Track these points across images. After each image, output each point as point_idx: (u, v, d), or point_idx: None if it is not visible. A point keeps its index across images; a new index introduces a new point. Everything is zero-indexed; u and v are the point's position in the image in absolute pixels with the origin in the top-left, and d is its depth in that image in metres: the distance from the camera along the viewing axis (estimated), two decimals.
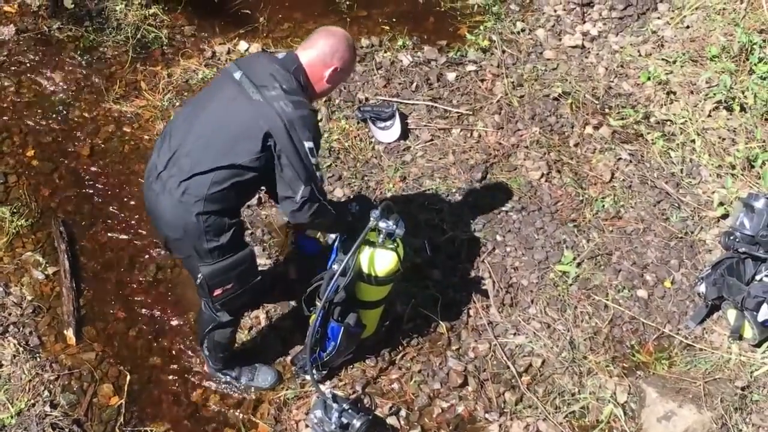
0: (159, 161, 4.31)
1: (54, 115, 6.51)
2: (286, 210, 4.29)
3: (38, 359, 5.17)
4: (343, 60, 4.31)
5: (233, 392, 5.27)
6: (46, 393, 5.03)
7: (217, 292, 4.50)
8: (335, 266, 4.47)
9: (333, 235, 4.86)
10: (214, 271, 4.39)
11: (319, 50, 4.28)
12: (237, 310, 4.83)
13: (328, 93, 4.64)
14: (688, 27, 7.51)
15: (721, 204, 6.28)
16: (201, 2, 7.59)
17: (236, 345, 5.28)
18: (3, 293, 5.41)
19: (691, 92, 6.97)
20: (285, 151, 4.11)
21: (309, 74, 4.29)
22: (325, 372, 5.22)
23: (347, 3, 7.80)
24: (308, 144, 4.12)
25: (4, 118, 6.42)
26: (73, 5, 7.17)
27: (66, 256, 5.63)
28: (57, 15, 7.15)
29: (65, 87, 6.71)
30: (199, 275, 4.43)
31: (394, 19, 7.73)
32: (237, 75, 4.24)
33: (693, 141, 6.70)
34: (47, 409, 4.96)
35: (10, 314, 5.33)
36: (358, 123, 6.63)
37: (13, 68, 6.76)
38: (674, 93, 7.00)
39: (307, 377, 5.14)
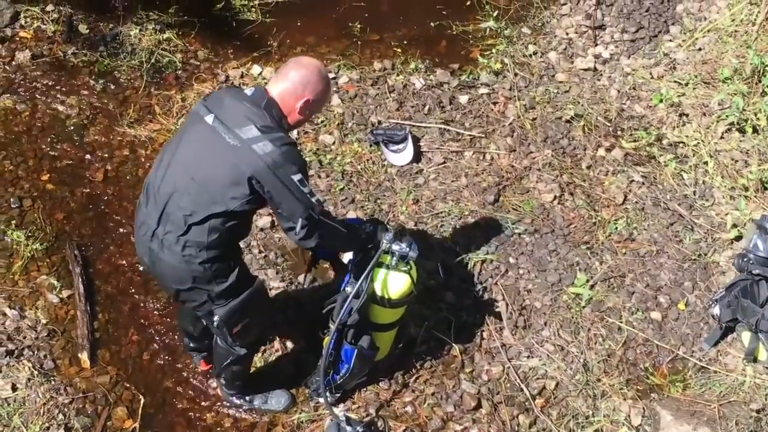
0: (149, 219, 4.28)
1: (69, 140, 6.56)
2: (293, 239, 4.30)
3: (53, 382, 5.18)
4: (315, 91, 4.25)
5: (247, 415, 5.26)
6: (61, 416, 5.03)
7: (236, 329, 4.52)
8: (348, 289, 4.47)
9: (348, 255, 4.85)
10: (230, 310, 4.41)
11: (289, 82, 4.23)
12: (254, 343, 4.89)
13: (303, 123, 4.55)
14: (700, 49, 7.52)
15: (734, 226, 6.27)
16: (214, 27, 7.66)
17: (254, 370, 5.29)
18: (18, 316, 5.43)
19: (704, 114, 6.97)
20: (275, 191, 4.10)
21: (281, 106, 4.23)
22: (338, 395, 5.21)
23: (359, 26, 7.84)
24: (296, 177, 4.11)
25: (20, 142, 6.46)
26: (87, 30, 7.26)
27: (80, 279, 5.65)
28: (72, 40, 7.22)
29: (80, 111, 6.76)
30: (215, 318, 4.44)
31: (406, 43, 7.77)
32: (209, 119, 4.16)
33: (706, 163, 6.70)
34: None
35: (24, 337, 5.35)
36: (371, 146, 6.66)
37: (28, 93, 6.82)
38: (687, 115, 7.00)
39: (321, 400, 5.13)
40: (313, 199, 4.19)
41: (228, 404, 5.30)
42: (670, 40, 7.71)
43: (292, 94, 4.22)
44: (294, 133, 6.56)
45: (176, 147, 4.32)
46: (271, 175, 4.05)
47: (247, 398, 5.26)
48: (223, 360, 4.88)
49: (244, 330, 4.54)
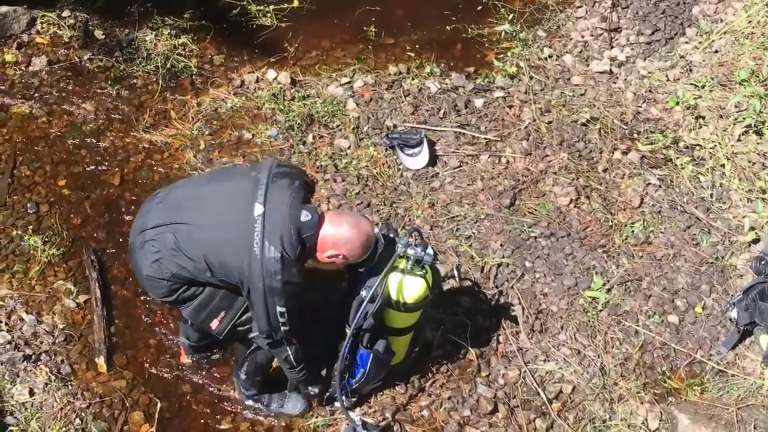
0: (151, 216, 4.41)
1: (85, 145, 6.58)
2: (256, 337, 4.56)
3: (70, 387, 5.21)
4: (350, 252, 4.37)
5: (263, 420, 5.27)
6: (78, 421, 5.06)
7: (214, 325, 4.59)
8: (364, 293, 4.47)
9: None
10: (192, 311, 4.55)
11: (338, 233, 4.32)
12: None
13: (322, 266, 4.59)
14: (716, 51, 7.49)
15: (752, 229, 6.24)
16: (230, 31, 7.68)
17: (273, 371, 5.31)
18: (35, 321, 5.45)
19: (720, 116, 6.94)
20: (254, 302, 4.28)
21: (318, 244, 4.32)
22: (354, 399, 5.21)
23: (374, 30, 7.84)
24: (280, 308, 4.25)
25: (36, 148, 6.49)
26: (103, 36, 7.28)
27: (97, 284, 5.68)
28: (88, 46, 7.25)
29: (96, 116, 6.78)
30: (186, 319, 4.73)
31: (420, 46, 7.76)
32: (257, 210, 4.20)
33: (723, 165, 6.66)
34: None
35: (42, 342, 5.37)
36: (386, 150, 6.65)
37: (44, 98, 6.85)
38: (703, 117, 6.97)
39: (337, 404, 5.13)
40: (283, 328, 4.35)
41: (244, 407, 5.31)
42: (686, 43, 7.67)
43: (332, 244, 4.33)
44: (309, 138, 6.59)
45: (219, 192, 4.45)
46: (261, 294, 4.21)
47: (264, 402, 5.28)
48: (245, 349, 4.96)
49: (225, 325, 4.60)
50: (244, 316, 4.56)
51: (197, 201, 4.41)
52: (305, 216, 4.25)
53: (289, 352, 4.57)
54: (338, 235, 4.31)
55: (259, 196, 4.24)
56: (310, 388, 5.01)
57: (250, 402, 5.31)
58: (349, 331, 4.56)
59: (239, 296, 4.45)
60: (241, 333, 4.67)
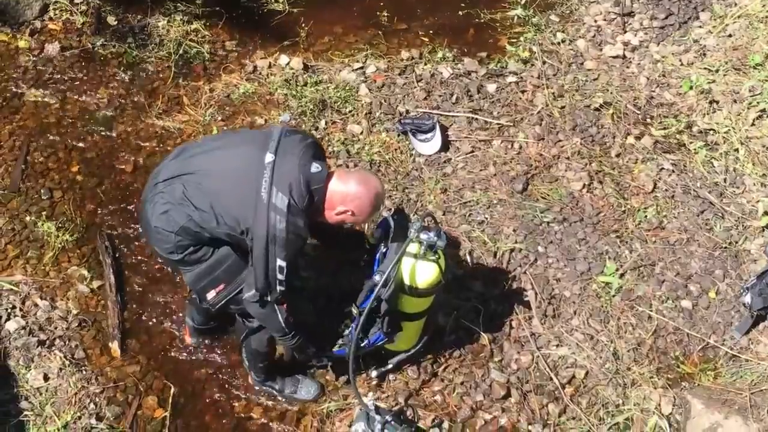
0: (163, 171, 4.46)
1: (98, 131, 6.60)
2: (244, 301, 4.49)
3: (84, 372, 5.23)
4: (360, 209, 4.37)
5: (277, 404, 5.28)
6: (92, 405, 5.08)
7: (211, 295, 4.60)
8: (376, 277, 4.47)
9: (372, 240, 4.84)
10: (194, 276, 4.56)
11: (346, 188, 4.33)
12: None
13: (333, 224, 4.56)
14: (730, 35, 7.45)
15: (765, 213, 6.22)
16: (242, 17, 7.67)
17: (279, 356, 5.31)
18: (49, 307, 5.48)
19: (734, 101, 6.91)
20: (256, 254, 4.24)
21: (327, 199, 4.34)
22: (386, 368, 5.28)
23: (386, 16, 7.83)
24: (281, 262, 4.23)
25: (50, 134, 6.51)
26: (116, 22, 7.29)
27: (111, 270, 5.70)
28: (100, 32, 7.26)
29: (109, 103, 6.79)
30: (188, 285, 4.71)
31: (433, 31, 7.74)
32: (267, 159, 4.24)
33: (736, 150, 6.64)
34: (93, 421, 5.02)
35: (56, 328, 5.40)
36: (399, 135, 6.65)
37: (57, 85, 6.87)
38: (717, 102, 6.94)
39: (350, 391, 5.15)
40: (278, 287, 4.30)
41: (258, 393, 5.32)
42: (700, 27, 7.64)
43: (341, 199, 4.34)
44: (322, 124, 6.59)
45: (231, 144, 4.55)
46: (263, 244, 4.19)
47: (277, 386, 5.29)
48: (240, 334, 5.00)
49: (222, 297, 4.61)
50: (240, 294, 4.57)
51: (208, 153, 4.46)
52: (315, 168, 4.28)
53: (280, 319, 4.50)
54: (347, 191, 4.33)
55: (270, 147, 4.28)
56: (308, 350, 4.93)
57: (263, 387, 5.33)
58: (355, 311, 4.57)
59: (241, 272, 4.49)
60: (234, 310, 4.74)
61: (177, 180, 4.36)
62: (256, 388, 5.34)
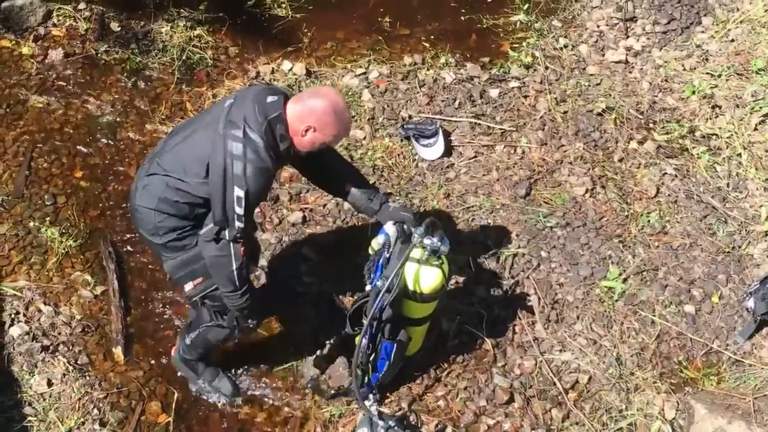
0: (148, 158, 4.60)
1: (101, 137, 6.61)
2: (200, 239, 4.45)
3: (87, 377, 5.23)
4: (321, 122, 4.27)
5: (280, 409, 5.27)
6: (96, 411, 5.08)
7: (188, 287, 4.61)
8: (380, 283, 4.47)
9: (376, 246, 4.83)
10: (175, 264, 4.56)
11: (300, 106, 4.29)
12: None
13: (310, 149, 4.42)
14: (732, 40, 7.46)
15: None
16: (245, 23, 7.70)
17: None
18: (53, 312, 5.48)
19: (737, 106, 6.92)
20: (212, 185, 4.23)
21: (289, 125, 4.29)
22: (378, 396, 5.20)
23: (389, 21, 7.85)
24: (238, 191, 4.17)
25: (53, 140, 6.52)
26: (119, 28, 7.31)
27: (114, 275, 5.70)
28: (104, 38, 7.28)
29: (112, 108, 6.81)
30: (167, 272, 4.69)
31: (435, 37, 7.77)
32: (227, 103, 4.32)
33: (739, 155, 6.65)
34: (96, 427, 5.01)
35: (59, 333, 5.40)
36: (402, 140, 6.66)
37: (61, 91, 6.88)
38: (719, 107, 6.95)
39: (367, 403, 5.13)
40: (236, 223, 4.24)
41: (176, 368, 5.36)
42: (703, 32, 7.65)
43: (299, 119, 4.28)
44: None
45: (200, 115, 4.74)
46: (220, 171, 4.18)
47: (198, 370, 5.30)
48: (201, 321, 4.93)
49: (199, 290, 4.62)
50: (217, 291, 4.58)
51: (181, 129, 4.57)
52: (271, 98, 4.30)
53: (233, 263, 4.38)
54: (301, 108, 4.28)
55: (231, 97, 4.39)
56: (249, 321, 4.76)
57: (181, 365, 5.30)
58: (366, 322, 4.55)
59: None
60: (208, 305, 4.71)
61: (153, 158, 4.46)
62: (176, 363, 5.33)
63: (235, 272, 4.41)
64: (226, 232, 4.29)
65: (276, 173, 4.47)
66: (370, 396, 4.97)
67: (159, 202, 4.38)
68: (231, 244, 4.33)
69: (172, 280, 4.78)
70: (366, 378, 4.88)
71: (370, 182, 6.13)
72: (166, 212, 4.40)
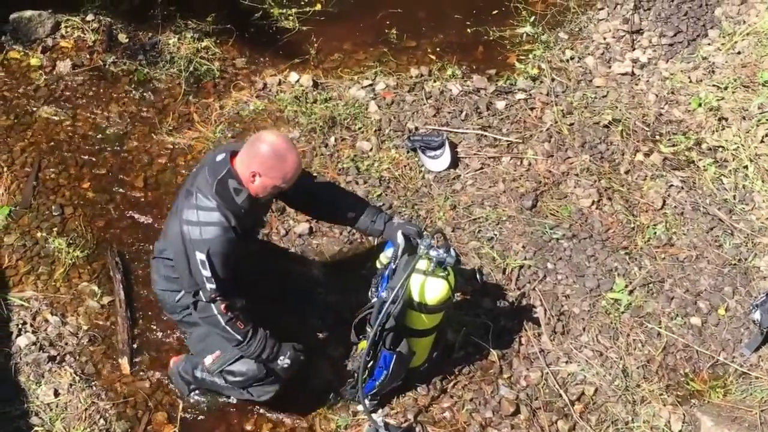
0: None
1: (109, 148, 6.63)
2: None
3: (94, 388, 5.24)
4: (264, 167, 4.29)
5: (286, 420, 5.27)
6: (102, 421, 5.09)
7: (208, 361, 4.79)
8: (384, 294, 4.48)
9: (384, 260, 4.84)
10: (193, 340, 4.83)
11: (245, 155, 4.33)
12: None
13: (266, 194, 4.46)
14: (739, 53, 7.46)
15: None
16: (252, 35, 7.72)
17: None
18: (60, 323, 5.50)
19: (743, 118, 6.91)
20: (175, 257, 4.44)
21: (240, 177, 4.34)
22: (376, 401, 5.22)
23: (396, 33, 7.86)
24: (200, 255, 4.27)
25: (61, 151, 6.54)
26: (127, 39, 7.33)
27: (121, 286, 5.71)
28: (111, 49, 7.30)
29: (119, 120, 6.83)
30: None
31: (442, 49, 7.77)
32: (188, 183, 4.47)
33: (746, 167, 6.64)
34: None
35: (66, 344, 5.41)
36: (408, 152, 6.67)
37: (69, 102, 6.90)
38: (726, 119, 6.95)
39: (359, 407, 5.14)
40: (207, 285, 4.33)
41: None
42: (709, 44, 7.65)
43: (245, 167, 4.34)
44: (332, 141, 6.60)
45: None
46: (179, 240, 4.33)
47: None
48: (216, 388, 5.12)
49: (220, 363, 4.81)
50: (235, 365, 4.72)
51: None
52: (219, 156, 4.38)
53: (221, 321, 4.48)
54: (243, 158, 4.31)
55: (189, 179, 4.55)
56: (279, 361, 4.74)
57: (177, 379, 5.31)
58: (371, 332, 4.56)
59: None
60: (229, 379, 4.83)
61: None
62: (170, 374, 5.36)
63: (228, 328, 4.51)
64: (201, 294, 4.41)
65: (246, 224, 4.53)
66: (366, 401, 4.97)
67: (165, 281, 4.63)
68: (210, 304, 4.44)
69: (195, 355, 4.96)
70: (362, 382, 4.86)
71: (377, 193, 6.16)
72: (175, 290, 4.61)
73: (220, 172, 4.32)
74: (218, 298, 4.41)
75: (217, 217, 4.28)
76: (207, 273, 4.29)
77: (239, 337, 4.56)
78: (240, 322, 4.53)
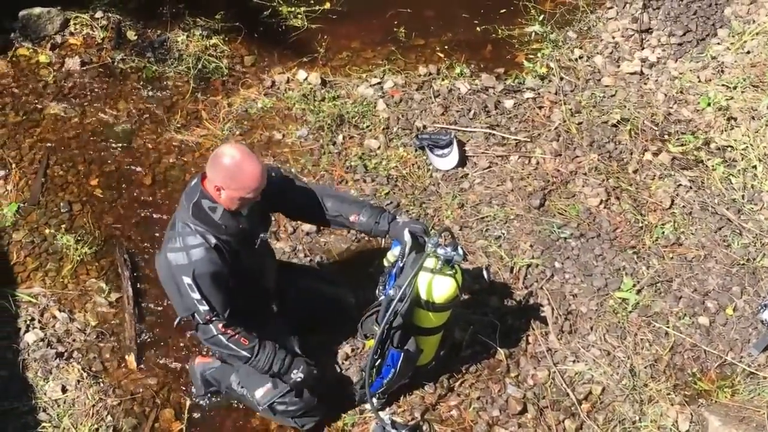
0: None
1: (117, 145, 6.64)
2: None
3: (101, 384, 5.26)
4: (225, 180, 4.27)
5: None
6: (109, 418, 5.10)
7: (259, 394, 4.90)
8: (392, 292, 4.47)
9: (392, 258, 4.84)
10: (241, 375, 4.96)
11: (208, 172, 4.32)
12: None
13: (237, 206, 4.41)
14: (748, 52, 7.44)
15: None
16: (261, 32, 7.72)
17: None
18: (68, 319, 5.51)
19: (753, 118, 6.90)
20: (164, 284, 4.53)
21: (210, 194, 4.35)
22: (384, 399, 5.22)
23: (404, 31, 7.86)
24: (187, 280, 4.31)
25: (69, 147, 6.56)
26: (135, 37, 7.35)
27: (129, 282, 5.73)
28: (120, 47, 7.32)
29: (128, 117, 6.85)
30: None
31: (450, 47, 7.76)
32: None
33: (755, 167, 6.62)
34: None
35: (74, 340, 5.43)
36: (416, 151, 6.66)
37: (77, 99, 6.93)
38: (735, 119, 6.93)
39: (367, 406, 5.14)
40: (200, 307, 4.38)
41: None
42: (718, 44, 7.63)
43: (210, 183, 4.35)
44: (339, 139, 6.61)
45: None
46: (166, 267, 4.38)
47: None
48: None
49: (267, 398, 4.97)
50: (286, 397, 4.84)
51: None
52: (192, 182, 4.43)
53: (224, 341, 4.54)
54: (209, 173, 4.31)
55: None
56: (292, 374, 4.77)
57: (198, 379, 5.31)
58: (378, 330, 4.56)
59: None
60: (279, 409, 4.92)
61: None
62: (192, 371, 5.35)
63: (231, 345, 4.57)
64: (197, 317, 4.45)
65: (238, 237, 4.52)
66: (374, 399, 4.98)
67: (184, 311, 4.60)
68: (208, 325, 4.49)
69: (245, 388, 5.00)
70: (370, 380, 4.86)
71: (384, 192, 6.16)
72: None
73: (194, 195, 4.35)
74: (214, 319, 4.46)
75: (198, 240, 4.31)
76: (196, 296, 4.33)
77: (246, 354, 4.61)
78: (243, 338, 4.57)
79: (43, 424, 5.01)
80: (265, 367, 4.67)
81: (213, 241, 4.34)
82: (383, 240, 5.85)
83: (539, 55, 7.67)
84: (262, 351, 4.64)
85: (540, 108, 7.12)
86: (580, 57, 7.63)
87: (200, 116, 6.92)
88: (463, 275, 4.80)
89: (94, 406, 5.13)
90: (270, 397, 4.87)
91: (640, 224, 6.29)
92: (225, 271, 4.40)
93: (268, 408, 4.94)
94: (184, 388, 5.37)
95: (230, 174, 4.24)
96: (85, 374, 5.25)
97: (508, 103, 7.13)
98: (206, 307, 4.38)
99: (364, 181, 6.42)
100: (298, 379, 4.78)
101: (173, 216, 4.49)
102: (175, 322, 4.67)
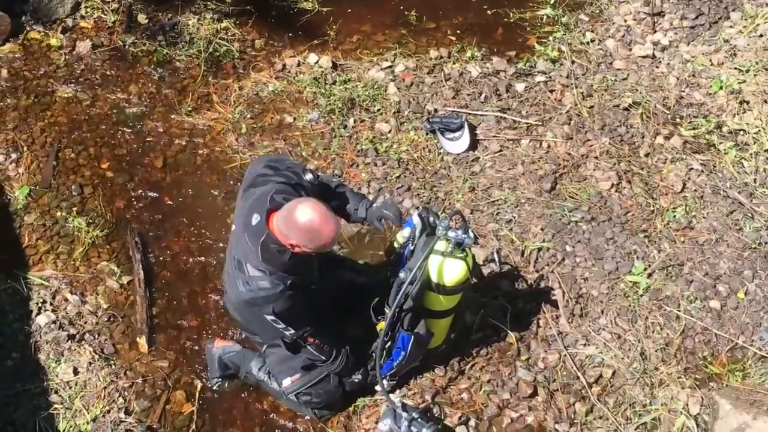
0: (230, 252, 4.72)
1: (128, 128, 6.65)
2: None
3: (113, 366, 5.28)
4: (301, 240, 4.24)
5: None
6: (121, 400, 5.13)
7: (286, 383, 4.99)
8: (402, 275, 4.47)
9: (401, 239, 4.84)
10: (276, 359, 5.02)
11: (282, 226, 4.25)
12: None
13: (308, 253, 4.39)
14: (761, 36, 7.40)
15: None
16: (272, 16, 7.71)
17: None
18: (79, 302, 5.53)
19: (765, 101, 6.86)
20: (244, 317, 4.62)
21: (278, 239, 4.29)
22: (394, 381, 5.24)
23: (415, 15, 7.83)
24: (269, 317, 4.35)
25: (80, 131, 6.57)
26: (146, 20, 7.34)
27: (140, 265, 5.74)
28: (131, 30, 7.32)
29: (139, 100, 6.85)
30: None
31: (461, 30, 7.74)
32: (236, 228, 4.51)
33: (767, 151, 6.59)
34: (122, 415, 5.07)
35: (86, 322, 5.45)
36: (427, 134, 6.66)
37: (88, 82, 6.93)
38: (747, 102, 6.90)
39: (377, 387, 5.15)
40: (287, 333, 4.47)
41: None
42: (731, 27, 7.59)
43: (283, 237, 4.29)
44: (350, 122, 6.60)
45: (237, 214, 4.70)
46: (245, 307, 4.42)
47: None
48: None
49: (294, 387, 5.06)
50: (314, 389, 4.95)
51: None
52: (255, 219, 4.34)
53: (312, 350, 4.70)
54: (283, 228, 4.25)
55: (235, 224, 4.58)
56: (353, 376, 5.04)
57: (214, 360, 5.36)
58: (389, 312, 4.56)
59: (316, 367, 4.88)
60: (303, 399, 5.05)
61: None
62: (209, 354, 5.39)
63: (314, 352, 4.73)
64: (286, 339, 4.60)
65: (306, 269, 4.58)
66: (384, 381, 5.00)
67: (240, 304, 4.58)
68: (300, 341, 4.62)
69: (273, 374, 5.11)
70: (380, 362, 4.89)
71: (395, 175, 6.15)
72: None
73: (260, 236, 4.29)
74: (303, 335, 4.59)
75: (272, 282, 4.31)
76: (281, 326, 4.41)
77: (324, 357, 4.79)
78: (326, 345, 4.75)
79: (55, 405, 5.04)
80: (337, 368, 4.89)
81: (288, 281, 4.36)
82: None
83: (551, 38, 7.65)
84: (337, 356, 4.84)
85: (551, 91, 7.10)
86: (592, 40, 7.60)
87: (211, 99, 6.92)
88: (474, 258, 4.79)
89: (105, 388, 5.15)
90: (297, 386, 4.97)
91: (652, 208, 6.27)
92: (301, 299, 4.45)
93: (294, 396, 5.03)
94: (195, 371, 5.39)
95: (309, 237, 4.23)
96: (96, 356, 5.28)
97: (520, 87, 7.11)
98: (293, 332, 4.49)
99: (375, 165, 6.41)
100: (356, 380, 5.06)
101: (231, 251, 4.51)
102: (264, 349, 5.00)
